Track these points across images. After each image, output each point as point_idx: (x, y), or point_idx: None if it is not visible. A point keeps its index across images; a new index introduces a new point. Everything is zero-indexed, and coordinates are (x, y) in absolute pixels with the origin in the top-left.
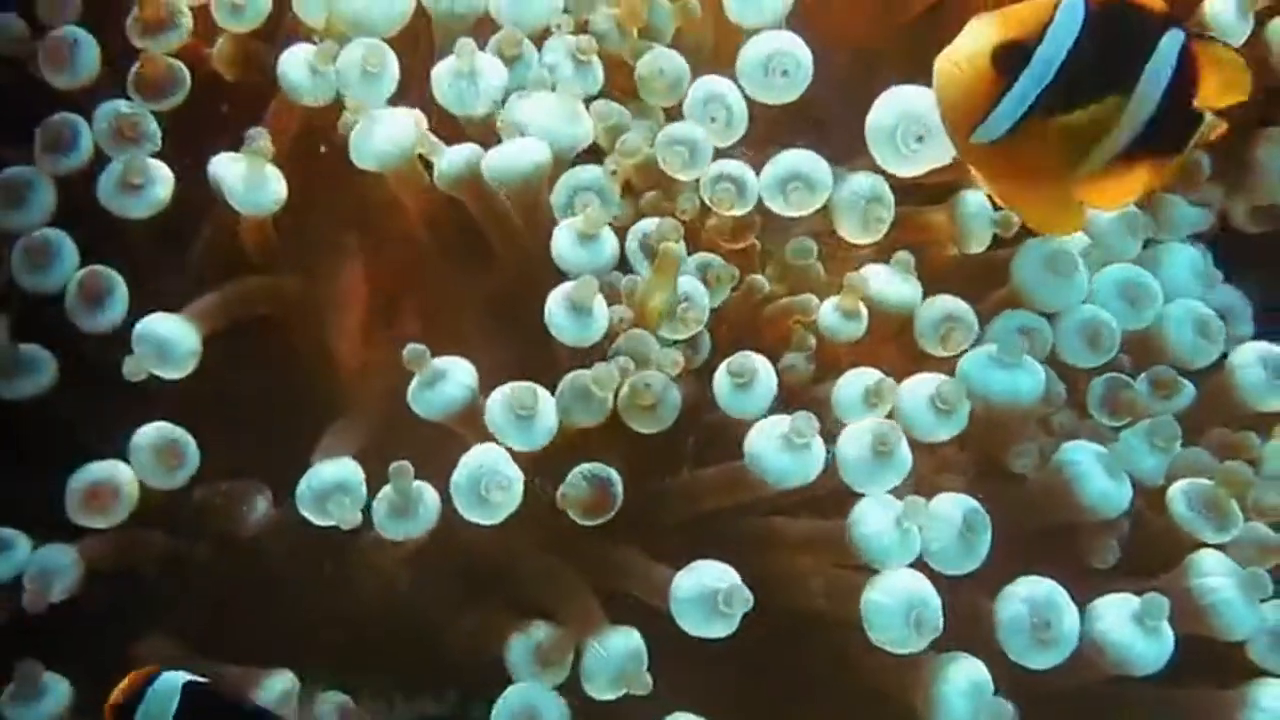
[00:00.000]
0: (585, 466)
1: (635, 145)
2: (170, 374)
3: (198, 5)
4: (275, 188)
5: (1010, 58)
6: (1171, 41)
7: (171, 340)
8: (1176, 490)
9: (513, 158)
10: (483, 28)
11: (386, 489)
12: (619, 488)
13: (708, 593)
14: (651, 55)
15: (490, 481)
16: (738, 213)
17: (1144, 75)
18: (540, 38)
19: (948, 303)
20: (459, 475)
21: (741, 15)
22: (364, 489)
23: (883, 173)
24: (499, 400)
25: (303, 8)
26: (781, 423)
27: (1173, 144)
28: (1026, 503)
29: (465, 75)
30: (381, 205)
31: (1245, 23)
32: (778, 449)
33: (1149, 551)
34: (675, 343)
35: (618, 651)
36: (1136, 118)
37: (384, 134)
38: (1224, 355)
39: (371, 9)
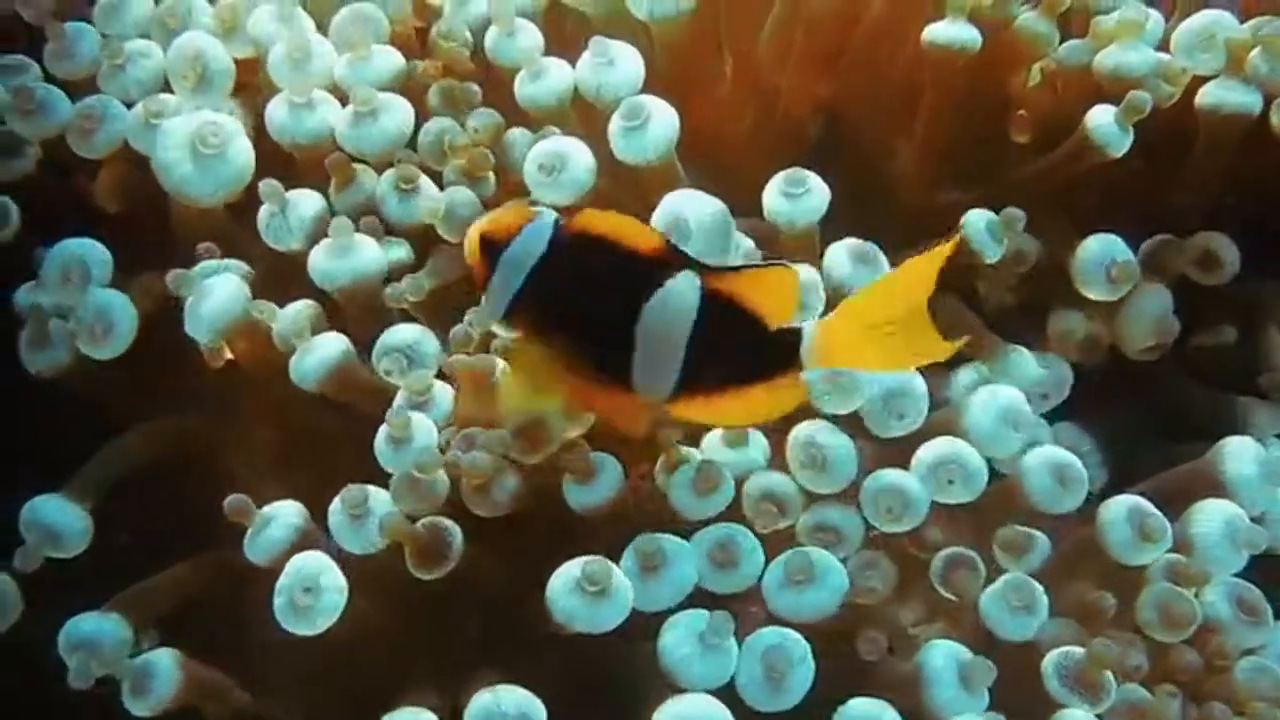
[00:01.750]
0: (429, 518)
1: (466, 337)
2: (65, 555)
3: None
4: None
5: (491, 248)
6: (686, 283)
7: (59, 526)
8: (1049, 664)
9: (311, 360)
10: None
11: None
12: (457, 541)
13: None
14: (435, 199)
15: (299, 585)
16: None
17: (642, 318)
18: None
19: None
20: (280, 582)
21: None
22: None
23: None
24: (336, 506)
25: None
26: (575, 568)
27: (780, 364)
28: (884, 684)
29: (277, 213)
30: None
31: (1127, 135)
32: (569, 591)
33: (1019, 699)
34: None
35: None
36: (656, 362)
37: (210, 306)
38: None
39: (199, 179)
